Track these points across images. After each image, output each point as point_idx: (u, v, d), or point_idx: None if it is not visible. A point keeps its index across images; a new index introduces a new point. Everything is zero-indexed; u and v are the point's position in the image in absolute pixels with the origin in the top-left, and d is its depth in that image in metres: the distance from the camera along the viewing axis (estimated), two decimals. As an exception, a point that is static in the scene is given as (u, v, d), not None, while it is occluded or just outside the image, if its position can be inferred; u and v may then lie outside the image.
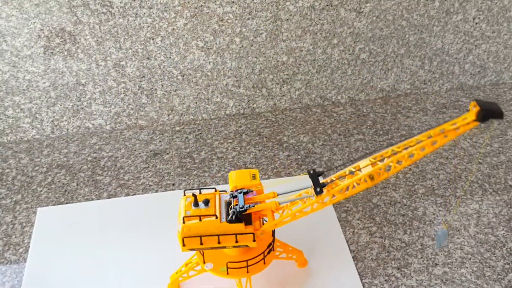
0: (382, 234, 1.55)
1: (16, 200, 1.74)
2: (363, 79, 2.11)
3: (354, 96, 2.14)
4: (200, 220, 1.22)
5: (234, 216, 1.21)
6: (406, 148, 1.10)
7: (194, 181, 1.79)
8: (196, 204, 1.24)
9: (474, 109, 1.02)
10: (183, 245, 1.23)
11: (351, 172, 1.16)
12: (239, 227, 1.22)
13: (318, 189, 1.17)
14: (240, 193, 1.25)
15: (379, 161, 1.13)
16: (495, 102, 1.10)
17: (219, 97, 2.04)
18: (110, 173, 1.84)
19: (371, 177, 1.13)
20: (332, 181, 1.18)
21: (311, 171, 1.19)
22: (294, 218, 1.23)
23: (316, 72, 2.04)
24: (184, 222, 1.22)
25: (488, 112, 1.00)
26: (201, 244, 1.23)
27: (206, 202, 1.24)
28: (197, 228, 1.22)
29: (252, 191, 1.26)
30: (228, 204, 1.25)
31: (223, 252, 1.32)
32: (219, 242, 1.23)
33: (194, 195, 1.25)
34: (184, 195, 1.28)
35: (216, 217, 1.22)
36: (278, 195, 1.25)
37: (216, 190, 1.29)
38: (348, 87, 2.11)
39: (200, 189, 1.30)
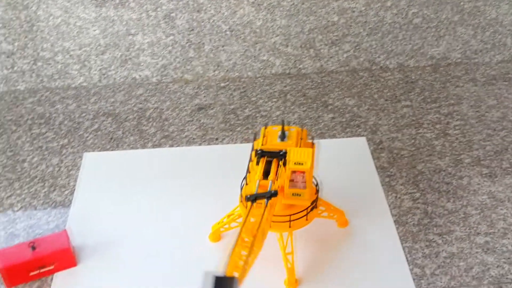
0: (425, 201, 1.53)
1: (63, 144, 1.78)
2: (414, 45, 2.06)
3: (403, 62, 2.09)
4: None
5: None
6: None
7: (237, 137, 1.79)
8: (282, 137, 1.27)
9: None
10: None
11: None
12: None
13: None
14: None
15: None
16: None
17: (266, 55, 2.02)
18: (155, 124, 1.86)
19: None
20: None
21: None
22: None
23: (367, 35, 2.00)
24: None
25: None
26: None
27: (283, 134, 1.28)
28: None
29: None
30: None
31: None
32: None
33: (282, 126, 1.28)
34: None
35: None
36: None
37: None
38: (398, 52, 2.06)
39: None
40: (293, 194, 1.25)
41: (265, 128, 1.32)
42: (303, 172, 1.22)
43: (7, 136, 1.81)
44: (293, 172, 1.22)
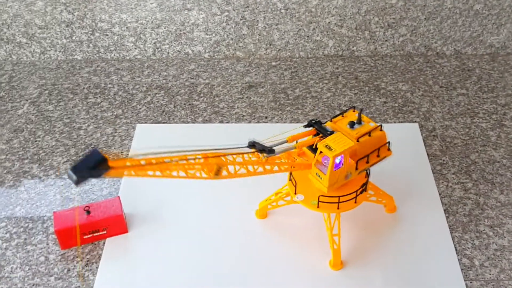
0: (477, 191, 1.50)
1: (117, 114, 1.82)
2: (473, 32, 2.00)
3: (461, 49, 2.03)
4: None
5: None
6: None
7: (287, 117, 1.79)
8: (352, 125, 1.26)
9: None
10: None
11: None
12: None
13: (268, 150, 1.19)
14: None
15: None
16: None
17: (320, 35, 2.01)
18: (205, 99, 1.88)
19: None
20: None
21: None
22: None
23: (425, 19, 1.95)
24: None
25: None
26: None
27: (359, 121, 1.27)
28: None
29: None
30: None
31: (316, 186, 1.33)
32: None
33: (360, 111, 1.27)
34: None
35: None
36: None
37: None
38: (456, 38, 2.01)
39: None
40: (316, 173, 1.26)
41: (353, 110, 1.32)
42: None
43: (64, 104, 1.87)
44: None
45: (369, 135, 1.26)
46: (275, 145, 1.26)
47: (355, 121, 1.27)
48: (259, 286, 1.30)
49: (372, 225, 1.43)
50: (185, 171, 1.14)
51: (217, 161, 1.16)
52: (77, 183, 0.95)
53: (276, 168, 1.25)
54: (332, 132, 1.28)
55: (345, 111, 1.33)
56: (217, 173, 1.17)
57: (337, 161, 1.22)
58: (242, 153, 1.21)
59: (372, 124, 1.28)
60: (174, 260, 1.36)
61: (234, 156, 1.20)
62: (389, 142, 1.30)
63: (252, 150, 1.22)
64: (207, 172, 1.16)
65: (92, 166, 0.96)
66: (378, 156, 1.29)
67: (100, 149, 1.05)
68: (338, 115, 1.32)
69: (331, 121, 1.31)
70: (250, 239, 1.41)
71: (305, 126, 1.31)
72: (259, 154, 1.22)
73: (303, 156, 1.31)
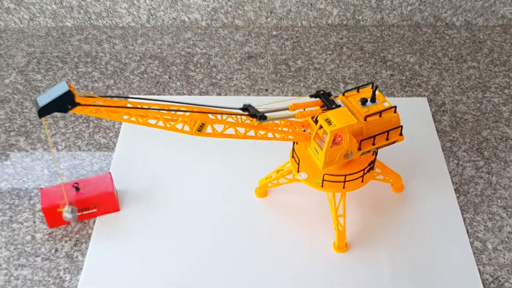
0: (489, 170, 1.42)
1: (109, 84, 1.73)
2: (485, 2, 1.89)
3: (472, 20, 1.93)
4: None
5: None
6: None
7: (288, 90, 1.70)
8: (364, 102, 1.18)
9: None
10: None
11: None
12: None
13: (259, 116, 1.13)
14: None
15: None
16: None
17: (324, 3, 1.90)
18: (202, 70, 1.78)
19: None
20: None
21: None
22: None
23: (435, -13, 1.85)
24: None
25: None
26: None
27: (373, 99, 1.18)
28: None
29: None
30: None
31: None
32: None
33: (375, 88, 1.18)
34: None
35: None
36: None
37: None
38: (467, 8, 1.90)
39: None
40: (315, 147, 1.17)
41: (371, 87, 1.23)
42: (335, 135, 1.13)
43: (53, 73, 1.76)
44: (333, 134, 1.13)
45: (380, 116, 1.17)
46: (275, 111, 1.19)
47: (368, 99, 1.18)
48: (258, 268, 1.23)
49: (378, 205, 1.35)
50: (164, 120, 1.07)
51: (202, 117, 1.08)
52: (40, 114, 0.94)
53: (270, 134, 1.17)
54: (338, 106, 1.19)
55: (362, 86, 1.23)
56: (200, 129, 1.10)
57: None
58: (233, 114, 1.13)
59: (387, 105, 1.19)
60: (169, 241, 1.28)
61: (225, 116, 1.12)
62: (401, 126, 1.21)
63: (246, 113, 1.15)
64: (189, 127, 1.08)
65: (58, 97, 0.94)
66: (387, 139, 1.20)
67: (69, 82, 1.00)
68: (353, 89, 1.23)
69: (343, 94, 1.22)
70: (249, 219, 1.33)
71: (312, 96, 1.22)
72: (251, 118, 1.14)
73: (308, 127, 1.22)
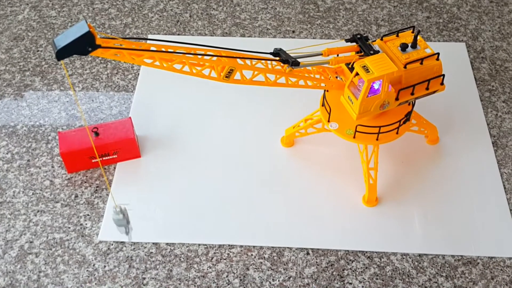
0: (530, 123, 1.35)
1: (126, 23, 1.64)
2: None
3: (516, -42, 1.78)
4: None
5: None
6: None
7: (316, 31, 1.60)
8: (404, 47, 1.09)
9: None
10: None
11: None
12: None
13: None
14: None
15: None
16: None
17: None
18: (225, 8, 1.68)
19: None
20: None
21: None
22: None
23: None
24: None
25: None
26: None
27: (414, 45, 1.09)
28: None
29: None
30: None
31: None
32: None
33: (417, 32, 1.10)
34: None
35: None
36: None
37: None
38: None
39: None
40: (348, 96, 1.09)
41: (412, 31, 1.14)
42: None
43: (68, 9, 1.67)
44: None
45: (421, 63, 1.08)
46: (307, 56, 1.10)
47: (409, 44, 1.09)
48: (282, 220, 1.18)
49: (411, 158, 1.29)
50: (190, 65, 1.00)
51: (231, 62, 1.00)
52: (58, 56, 0.87)
53: (301, 82, 1.10)
54: (376, 52, 1.10)
55: (401, 30, 1.14)
56: (228, 76, 1.03)
57: (376, 86, 1.06)
58: (264, 59, 1.06)
59: (429, 51, 1.10)
60: (190, 189, 1.24)
61: (254, 61, 1.04)
62: (443, 75, 1.12)
63: (277, 58, 1.08)
64: (217, 72, 1.01)
65: (77, 39, 0.86)
66: (427, 89, 1.12)
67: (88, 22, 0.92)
68: (392, 33, 1.14)
69: (381, 39, 1.12)
70: (274, 168, 1.28)
71: (347, 41, 1.13)
72: (282, 64, 1.06)
73: (341, 74, 1.14)
